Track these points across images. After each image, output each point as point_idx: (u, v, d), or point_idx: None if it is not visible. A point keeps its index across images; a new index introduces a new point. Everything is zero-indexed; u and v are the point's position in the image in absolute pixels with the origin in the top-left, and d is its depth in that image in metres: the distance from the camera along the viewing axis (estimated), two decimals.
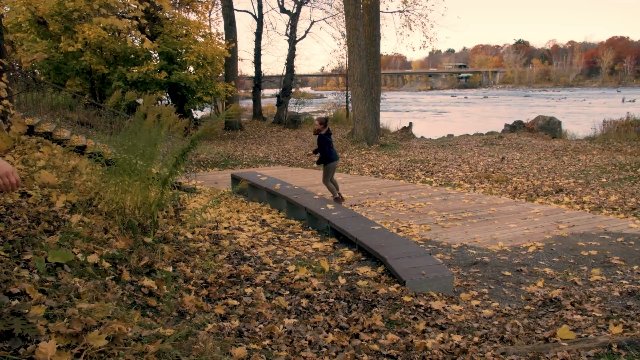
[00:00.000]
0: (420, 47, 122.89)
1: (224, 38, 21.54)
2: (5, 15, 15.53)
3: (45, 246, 3.04)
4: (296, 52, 26.47)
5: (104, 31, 16.28)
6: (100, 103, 14.12)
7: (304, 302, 3.72)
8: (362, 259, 5.27)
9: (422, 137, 20.96)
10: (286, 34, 26.90)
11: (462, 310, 3.86)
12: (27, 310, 2.08)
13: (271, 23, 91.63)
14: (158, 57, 18.70)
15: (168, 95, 20.36)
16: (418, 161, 13.33)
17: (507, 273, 4.86)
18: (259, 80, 26.91)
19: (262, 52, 26.77)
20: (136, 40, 18.87)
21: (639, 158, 12.35)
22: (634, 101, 46.92)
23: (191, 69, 19.07)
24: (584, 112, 37.27)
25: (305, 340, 3.04)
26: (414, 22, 22.14)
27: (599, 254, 5.36)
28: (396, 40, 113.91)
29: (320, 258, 5.01)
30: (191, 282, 3.65)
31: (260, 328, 3.12)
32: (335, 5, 32.46)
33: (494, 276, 4.80)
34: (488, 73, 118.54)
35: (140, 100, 16.21)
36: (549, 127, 19.28)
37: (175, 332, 2.52)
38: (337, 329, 3.30)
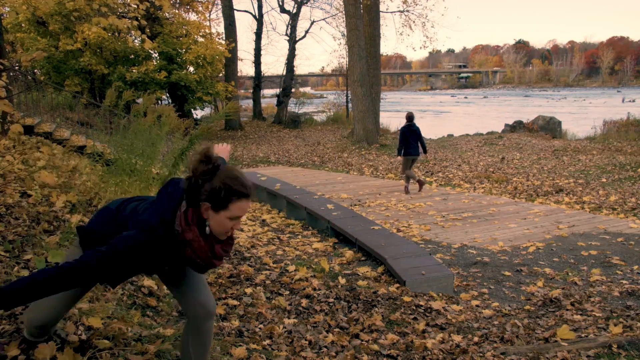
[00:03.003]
0: (420, 47, 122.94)
1: (224, 38, 21.54)
2: (5, 15, 15.54)
3: (45, 246, 3.04)
4: (296, 52, 26.47)
5: (103, 31, 16.28)
6: (99, 103, 14.12)
7: (304, 302, 3.72)
8: (362, 259, 5.27)
9: None
10: (286, 34, 26.90)
11: (462, 310, 3.86)
12: None
13: (271, 23, 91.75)
14: (158, 57, 18.70)
15: (168, 95, 20.37)
16: (418, 161, 13.33)
17: (507, 273, 4.86)
18: (259, 80, 26.91)
19: (262, 52, 26.78)
20: (136, 40, 18.88)
21: (639, 158, 12.35)
22: (634, 101, 46.88)
23: (191, 69, 19.07)
24: (584, 112, 37.26)
25: (305, 340, 3.04)
26: (414, 22, 22.12)
27: (599, 254, 5.36)
28: (396, 40, 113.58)
29: (320, 258, 5.01)
30: None
31: (260, 328, 3.12)
32: (335, 5, 32.49)
33: (494, 276, 4.80)
34: (488, 73, 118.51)
35: (140, 100, 16.23)
36: (549, 127, 19.28)
37: (175, 332, 2.52)
38: (337, 329, 3.30)
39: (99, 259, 1.55)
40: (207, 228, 1.66)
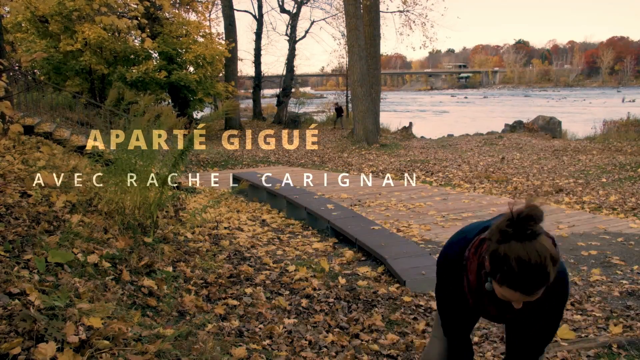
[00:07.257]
0: (420, 47, 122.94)
1: (224, 38, 21.55)
2: (5, 15, 15.54)
3: (45, 246, 3.04)
4: (296, 52, 26.51)
5: (103, 31, 16.28)
6: (99, 103, 14.12)
7: (304, 302, 3.72)
8: (362, 259, 5.27)
9: (422, 137, 20.95)
10: (286, 34, 26.94)
11: None
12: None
13: (271, 23, 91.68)
14: (158, 57, 18.71)
15: (170, 97, 20.36)
16: (418, 161, 13.32)
17: None
18: (259, 80, 26.91)
19: (262, 52, 26.79)
20: (136, 40, 18.89)
21: (639, 158, 12.34)
22: (634, 101, 46.86)
23: (191, 69, 19.08)
24: (584, 112, 37.25)
25: (305, 340, 3.04)
26: (413, 22, 22.17)
27: (599, 254, 5.36)
28: (396, 40, 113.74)
29: (320, 258, 5.01)
30: (191, 282, 3.65)
31: (260, 328, 3.12)
32: (335, 5, 32.38)
33: None
34: (488, 73, 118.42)
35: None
36: (549, 127, 19.28)
37: (175, 332, 2.52)
38: (337, 329, 3.30)
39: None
40: (488, 284, 1.45)
